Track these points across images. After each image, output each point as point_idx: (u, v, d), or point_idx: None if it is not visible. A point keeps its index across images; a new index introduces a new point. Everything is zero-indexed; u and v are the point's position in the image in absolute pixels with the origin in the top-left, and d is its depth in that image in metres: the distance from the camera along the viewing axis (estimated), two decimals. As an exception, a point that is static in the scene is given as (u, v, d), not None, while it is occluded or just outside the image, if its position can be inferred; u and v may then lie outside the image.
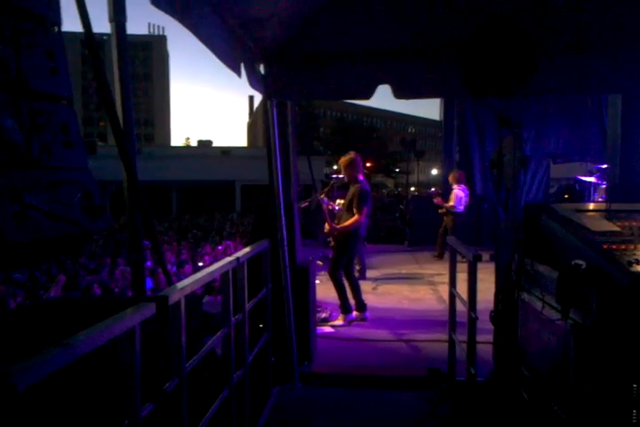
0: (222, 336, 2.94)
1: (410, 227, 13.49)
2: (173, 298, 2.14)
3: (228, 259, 3.15)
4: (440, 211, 10.98)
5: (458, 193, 10.74)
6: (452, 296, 4.12)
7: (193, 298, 3.19)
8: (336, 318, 6.40)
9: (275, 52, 4.21)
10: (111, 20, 2.33)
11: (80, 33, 2.15)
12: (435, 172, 50.87)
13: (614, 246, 2.60)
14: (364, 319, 6.43)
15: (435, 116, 18.03)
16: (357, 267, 8.91)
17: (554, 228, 3.01)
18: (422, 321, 6.36)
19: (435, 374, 4.46)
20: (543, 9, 3.75)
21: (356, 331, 6.09)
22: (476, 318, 3.45)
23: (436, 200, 11.17)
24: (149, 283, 8.49)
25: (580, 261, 2.48)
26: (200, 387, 2.70)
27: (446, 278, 4.34)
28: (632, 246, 2.61)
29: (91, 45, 2.19)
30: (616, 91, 4.82)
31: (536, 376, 3.05)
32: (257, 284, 3.93)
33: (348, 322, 6.33)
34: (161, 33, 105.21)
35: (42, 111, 1.65)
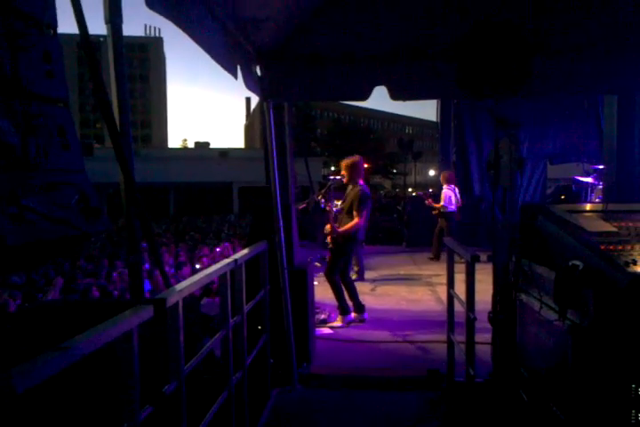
0: (221, 338, 2.94)
1: (407, 228, 13.50)
2: (171, 300, 2.14)
3: (226, 261, 3.15)
4: (434, 212, 11.03)
5: (446, 193, 10.85)
6: (451, 297, 4.12)
7: (191, 300, 3.19)
8: (334, 320, 6.40)
9: (271, 54, 4.22)
10: (107, 22, 2.32)
11: (76, 35, 2.14)
12: (432, 173, 50.90)
13: (611, 247, 2.60)
14: (362, 320, 6.43)
15: (432, 117, 18.08)
16: (355, 268, 8.91)
17: (551, 228, 3.01)
18: (421, 322, 6.35)
19: (434, 375, 4.47)
20: (539, 10, 3.75)
21: (354, 332, 6.08)
22: (475, 319, 3.46)
23: (427, 202, 11.26)
24: (147, 285, 8.48)
25: (578, 262, 2.48)
26: (199, 389, 2.69)
27: (444, 279, 4.34)
28: (629, 247, 2.62)
29: (87, 47, 2.18)
30: (612, 92, 4.83)
31: (534, 377, 3.05)
32: (255, 285, 3.92)
33: (347, 323, 6.33)
34: (157, 35, 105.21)
35: (38, 113, 1.65)
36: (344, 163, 6.72)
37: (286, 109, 4.75)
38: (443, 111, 13.74)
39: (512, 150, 3.33)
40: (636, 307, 2.32)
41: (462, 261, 3.72)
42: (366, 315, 6.50)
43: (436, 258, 10.82)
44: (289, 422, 3.92)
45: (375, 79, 4.20)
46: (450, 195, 10.82)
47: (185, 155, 53.60)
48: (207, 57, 3.06)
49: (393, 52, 4.18)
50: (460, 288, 3.74)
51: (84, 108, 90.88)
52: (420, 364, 4.90)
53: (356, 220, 6.37)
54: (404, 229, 13.78)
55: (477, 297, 3.50)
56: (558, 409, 2.63)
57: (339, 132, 59.38)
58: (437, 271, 9.24)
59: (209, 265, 5.07)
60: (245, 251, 3.63)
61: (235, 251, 10.83)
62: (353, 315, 6.43)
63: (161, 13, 2.36)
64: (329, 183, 8.78)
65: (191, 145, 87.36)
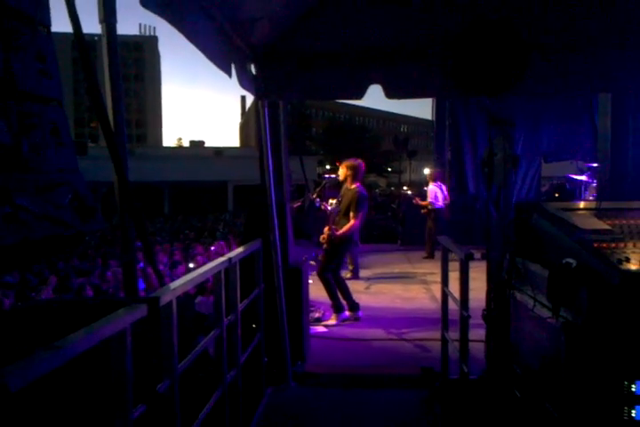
0: (215, 337, 2.94)
1: (402, 226, 13.52)
2: (165, 299, 2.14)
3: (221, 259, 3.14)
4: (423, 211, 11.07)
5: (432, 189, 10.94)
6: (445, 295, 4.13)
7: (185, 299, 3.19)
8: (329, 318, 6.41)
9: (266, 53, 4.21)
10: (101, 21, 2.32)
11: (70, 34, 2.14)
12: (427, 171, 50.84)
13: (605, 245, 2.62)
14: (357, 319, 6.45)
15: (427, 116, 18.06)
16: (350, 267, 8.92)
17: (545, 226, 3.03)
18: (415, 320, 6.37)
19: (428, 373, 4.48)
20: (534, 8, 3.76)
21: (349, 330, 6.10)
22: (469, 317, 3.47)
23: (414, 201, 11.33)
24: (142, 284, 8.46)
25: (571, 260, 2.49)
26: (193, 388, 2.70)
27: (438, 277, 4.35)
28: (622, 244, 2.63)
29: (81, 46, 2.18)
30: (607, 90, 4.84)
31: (528, 374, 3.06)
32: (250, 284, 3.92)
33: (341, 321, 6.34)
34: (152, 33, 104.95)
35: (31, 113, 1.65)
36: (345, 163, 6.80)
37: (281, 108, 4.75)
38: (438, 110, 13.76)
39: (506, 148, 3.34)
40: (629, 304, 2.33)
41: (457, 258, 3.73)
42: (361, 313, 6.51)
43: (430, 256, 10.84)
44: (283, 421, 3.92)
45: (370, 78, 4.20)
46: (435, 191, 10.91)
47: (180, 153, 53.53)
48: (202, 56, 3.06)
49: (388, 50, 4.18)
50: (455, 286, 3.75)
51: (79, 107, 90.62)
52: (414, 362, 4.92)
53: (352, 221, 6.44)
54: (399, 227, 13.80)
55: (471, 295, 3.51)
56: (551, 406, 2.65)
57: (334, 130, 59.40)
58: (432, 269, 9.25)
59: (203, 264, 5.07)
60: (240, 249, 3.62)
61: (230, 249, 10.82)
62: (347, 313, 6.44)
63: (155, 12, 2.36)
64: (324, 182, 8.80)
65: (186, 144, 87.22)
